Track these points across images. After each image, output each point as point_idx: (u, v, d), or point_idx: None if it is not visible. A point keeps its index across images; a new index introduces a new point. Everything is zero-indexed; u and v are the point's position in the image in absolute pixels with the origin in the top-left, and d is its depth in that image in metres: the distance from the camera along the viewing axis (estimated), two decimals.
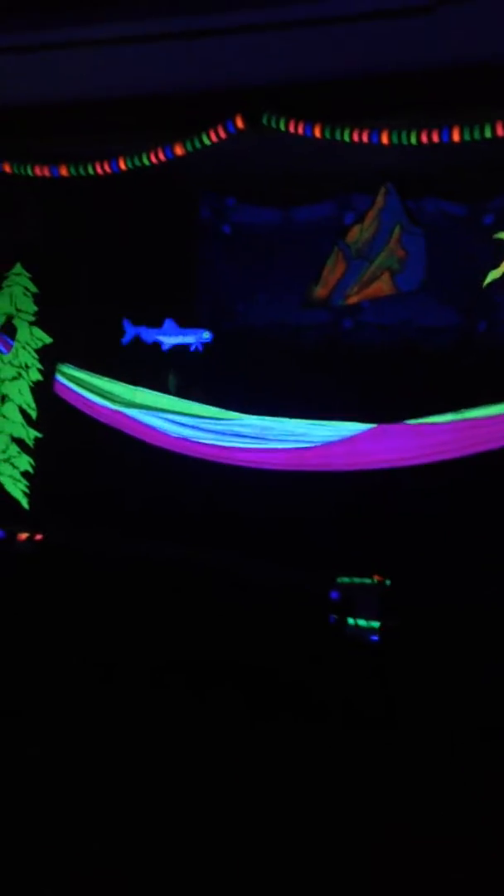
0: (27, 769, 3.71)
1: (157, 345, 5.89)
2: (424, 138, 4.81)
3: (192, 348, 5.72)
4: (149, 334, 5.90)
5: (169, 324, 5.84)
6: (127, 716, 4.32)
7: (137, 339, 5.97)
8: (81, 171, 5.48)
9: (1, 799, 3.43)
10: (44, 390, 6.20)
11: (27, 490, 6.18)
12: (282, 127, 5.00)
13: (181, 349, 5.84)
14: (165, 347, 5.78)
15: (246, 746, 4.07)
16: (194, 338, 5.73)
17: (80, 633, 5.07)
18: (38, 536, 5.95)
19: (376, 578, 5.23)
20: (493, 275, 5.10)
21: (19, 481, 6.23)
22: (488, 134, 4.62)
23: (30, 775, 3.66)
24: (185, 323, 5.90)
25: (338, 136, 4.92)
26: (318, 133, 4.96)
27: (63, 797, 3.48)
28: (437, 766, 3.93)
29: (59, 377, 6.14)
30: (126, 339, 5.97)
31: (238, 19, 4.65)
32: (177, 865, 3.07)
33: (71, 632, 5.08)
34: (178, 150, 5.30)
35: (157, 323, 5.92)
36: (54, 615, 5.19)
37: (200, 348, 5.71)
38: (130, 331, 5.95)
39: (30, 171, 5.62)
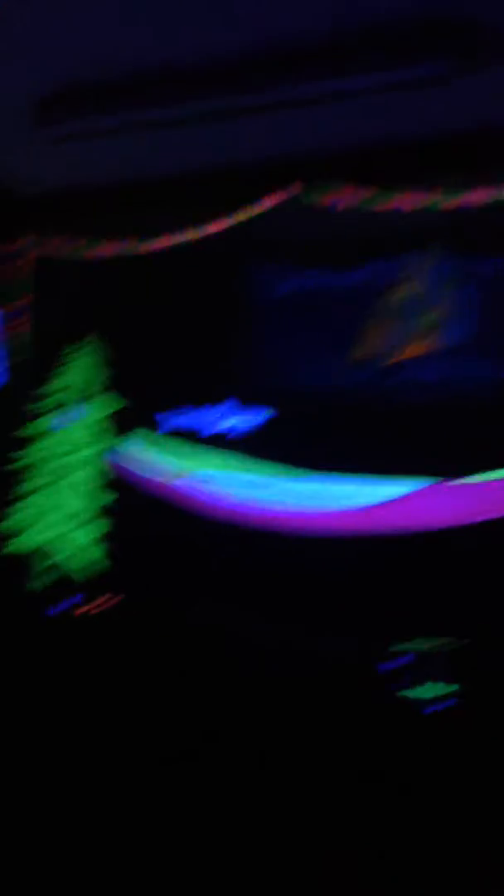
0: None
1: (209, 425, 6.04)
2: (470, 198, 4.83)
3: (244, 430, 5.82)
4: (192, 420, 6.06)
5: (217, 407, 6.00)
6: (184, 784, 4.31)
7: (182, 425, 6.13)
8: (129, 251, 5.78)
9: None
10: (108, 460, 6.40)
11: (93, 559, 6.34)
12: (328, 194, 5.13)
13: (235, 429, 5.96)
14: (216, 430, 5.92)
15: (300, 822, 3.99)
16: (242, 420, 5.84)
17: (155, 692, 5.10)
18: (104, 604, 6.08)
19: (435, 645, 5.07)
20: None
21: (89, 548, 6.40)
22: None
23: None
24: (235, 394, 6.02)
25: (385, 200, 5.01)
26: (359, 201, 5.07)
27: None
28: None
29: (123, 446, 6.35)
30: (168, 427, 6.13)
31: (274, 97, 4.85)
32: None
33: (148, 692, 5.12)
34: (227, 223, 5.52)
35: (210, 398, 6.05)
36: (132, 675, 5.24)
37: (251, 431, 5.82)
38: (171, 420, 6.14)
39: (83, 253, 5.96)
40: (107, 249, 6.04)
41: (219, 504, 5.92)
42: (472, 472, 5.01)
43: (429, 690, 4.88)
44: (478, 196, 4.91)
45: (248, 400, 5.95)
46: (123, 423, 6.39)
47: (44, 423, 6.54)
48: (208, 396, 6.05)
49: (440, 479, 5.13)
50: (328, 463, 5.49)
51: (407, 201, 5.10)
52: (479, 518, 5.02)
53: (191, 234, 5.57)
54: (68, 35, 4.81)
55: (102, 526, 6.33)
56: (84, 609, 6.05)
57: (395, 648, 5.09)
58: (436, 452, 5.25)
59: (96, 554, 6.33)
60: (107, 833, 3.92)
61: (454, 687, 4.84)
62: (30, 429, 6.48)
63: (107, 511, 6.36)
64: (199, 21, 4.36)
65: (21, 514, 6.41)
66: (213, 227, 5.56)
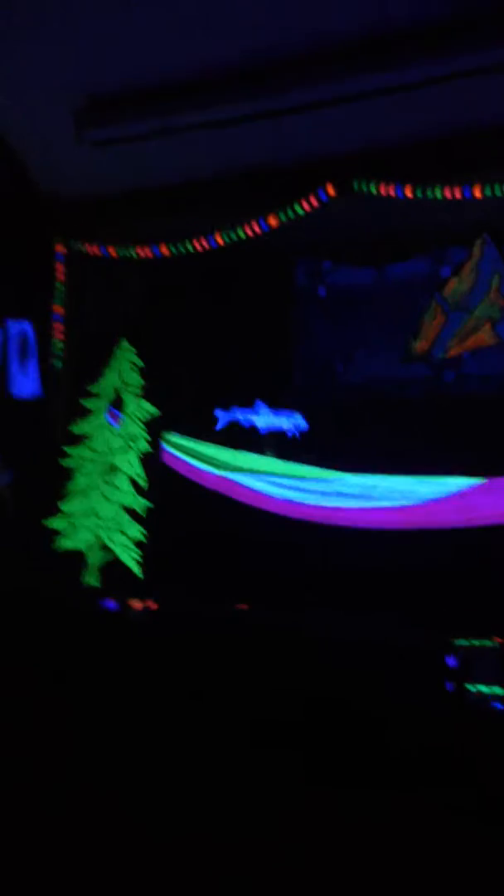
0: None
1: (252, 428, 5.99)
2: None
3: (290, 435, 5.81)
4: (245, 419, 6.02)
5: (260, 406, 5.96)
6: (233, 784, 4.26)
7: (229, 425, 6.08)
8: (181, 249, 5.74)
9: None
10: (152, 460, 6.37)
11: (139, 559, 6.31)
12: (373, 191, 5.10)
13: (277, 433, 5.91)
14: (263, 431, 5.89)
15: (359, 827, 3.92)
16: (287, 421, 5.81)
17: (194, 699, 5.07)
18: (153, 605, 6.04)
19: (497, 641, 5.01)
20: None
21: (131, 550, 6.36)
22: None
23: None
24: (284, 391, 5.99)
25: (430, 195, 4.98)
26: (409, 193, 5.03)
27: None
28: None
29: (165, 446, 6.31)
30: (219, 426, 6.08)
31: (320, 94, 4.82)
32: None
33: (186, 699, 5.08)
34: (273, 222, 5.49)
35: (251, 400, 6.02)
36: (169, 683, 5.22)
37: (297, 435, 5.79)
38: (224, 417, 6.10)
39: (133, 253, 5.93)
40: (147, 251, 6.00)
41: (265, 498, 5.87)
42: None
43: (488, 687, 4.82)
44: None
45: (302, 396, 5.91)
46: (168, 423, 6.35)
47: (83, 426, 6.50)
48: (261, 394, 6.00)
49: (500, 474, 5.06)
50: (385, 459, 5.43)
51: (451, 194, 5.05)
52: None
53: (237, 234, 5.53)
54: (115, 40, 4.80)
55: (149, 523, 6.30)
56: (137, 604, 6.00)
57: (454, 644, 5.02)
58: (495, 447, 5.19)
59: (143, 551, 6.31)
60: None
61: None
62: (71, 432, 6.43)
63: (153, 509, 6.33)
64: (249, 22, 4.35)
65: (68, 513, 6.36)
66: (259, 227, 5.52)
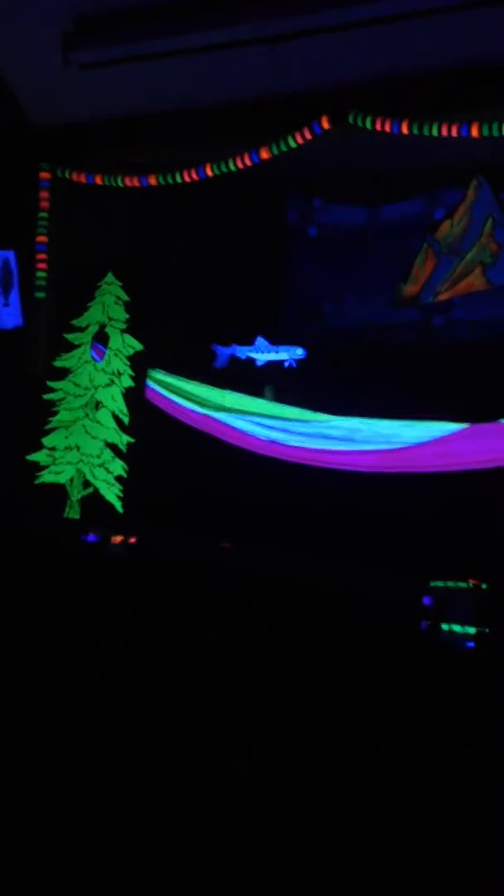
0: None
1: (249, 360, 5.95)
2: None
3: (286, 365, 5.76)
4: (241, 352, 5.96)
5: (260, 341, 5.90)
6: (216, 723, 4.34)
7: (228, 359, 6.03)
8: (170, 180, 5.58)
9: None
10: (136, 396, 6.32)
11: (121, 494, 6.33)
12: (368, 125, 4.96)
13: (275, 365, 5.87)
14: (259, 364, 5.84)
15: (342, 763, 4.02)
16: (287, 354, 5.76)
17: (172, 636, 5.13)
18: (132, 540, 6.08)
19: (472, 583, 5.10)
20: None
21: (113, 485, 6.37)
22: None
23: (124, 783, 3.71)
24: (274, 330, 5.93)
25: (426, 132, 4.85)
26: (405, 129, 4.89)
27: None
28: None
29: (151, 383, 6.26)
30: (219, 362, 6.04)
31: (319, 20, 4.64)
32: None
33: (163, 635, 5.15)
34: (265, 154, 5.34)
35: (248, 338, 5.97)
36: (147, 618, 5.28)
37: (294, 365, 5.74)
38: (223, 353, 6.03)
39: (120, 182, 5.76)
40: (135, 181, 5.84)
41: (249, 438, 5.87)
42: None
43: (462, 627, 4.92)
44: None
45: (289, 338, 5.86)
46: (153, 360, 6.29)
47: (67, 360, 6.43)
48: (247, 332, 5.94)
49: (485, 420, 5.09)
50: (371, 402, 5.43)
51: (448, 132, 4.92)
52: None
53: (228, 166, 5.38)
54: None
55: (131, 460, 6.30)
56: (117, 539, 6.03)
57: (431, 585, 5.11)
58: (481, 393, 5.20)
59: (123, 488, 6.32)
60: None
61: (481, 628, 4.88)
62: (54, 366, 6.36)
63: (136, 446, 6.32)
64: None
65: (50, 447, 6.35)
66: (250, 160, 5.37)
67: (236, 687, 4.55)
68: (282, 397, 5.83)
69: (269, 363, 5.88)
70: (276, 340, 5.91)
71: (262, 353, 5.87)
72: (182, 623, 5.08)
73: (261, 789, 3.67)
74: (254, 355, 5.92)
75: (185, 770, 3.70)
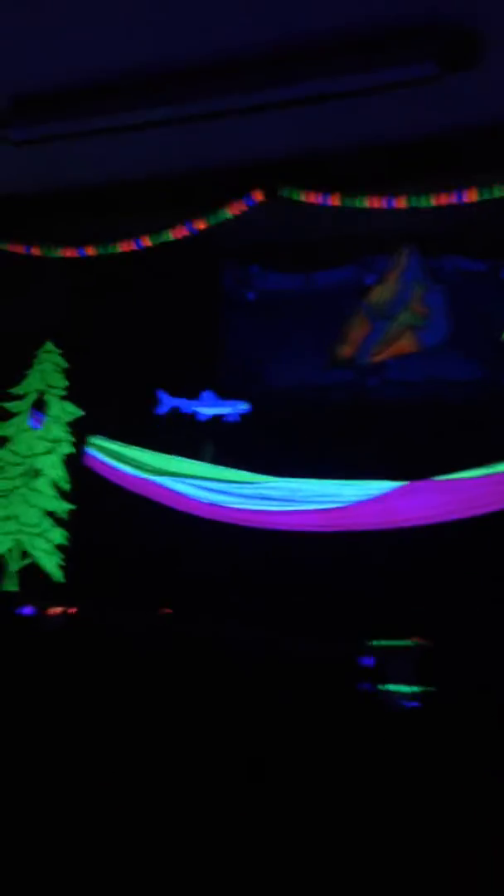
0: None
1: (192, 415, 6.00)
2: (439, 201, 4.95)
3: (230, 418, 5.82)
4: (187, 406, 6.01)
5: (207, 395, 5.95)
6: (149, 796, 4.22)
7: (170, 410, 6.07)
8: (108, 251, 5.70)
9: None
10: (76, 463, 6.28)
11: (61, 563, 6.20)
12: (300, 198, 5.17)
13: (216, 419, 5.92)
14: (202, 418, 5.89)
15: (273, 828, 3.93)
16: (231, 409, 5.83)
17: (109, 708, 5.00)
18: (72, 610, 5.94)
19: (413, 641, 5.11)
20: None
21: (53, 555, 6.25)
22: (498, 193, 4.74)
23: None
24: (211, 388, 6.00)
25: (355, 204, 5.08)
26: (335, 202, 5.12)
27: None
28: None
29: (90, 449, 6.23)
30: (162, 409, 6.07)
31: (251, 100, 4.86)
32: None
33: (100, 708, 5.01)
34: (200, 225, 5.52)
35: (191, 393, 6.02)
36: (85, 692, 5.14)
37: (237, 419, 5.81)
38: (168, 402, 6.06)
39: (58, 254, 5.85)
40: (73, 252, 5.95)
41: (191, 502, 5.86)
42: (451, 470, 5.08)
43: (402, 687, 4.91)
44: (445, 199, 5.01)
45: (229, 399, 5.93)
46: (93, 425, 6.27)
47: (5, 429, 6.38)
48: (184, 395, 6.00)
49: (421, 478, 5.19)
50: (310, 462, 5.50)
51: (379, 204, 5.16)
52: (458, 516, 5.09)
53: (167, 236, 5.54)
54: (39, 39, 4.73)
55: (72, 528, 6.21)
56: (56, 610, 5.89)
57: (371, 645, 5.11)
58: (416, 451, 5.32)
59: (64, 556, 6.20)
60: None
61: (424, 687, 4.88)
62: None
63: (76, 513, 6.24)
64: (171, 29, 4.35)
65: None
66: (186, 230, 5.54)
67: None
68: (222, 458, 5.85)
69: (212, 417, 5.94)
70: (222, 395, 5.96)
71: (208, 408, 5.93)
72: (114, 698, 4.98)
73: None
74: (198, 409, 5.97)
75: None
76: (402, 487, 5.23)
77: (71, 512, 6.25)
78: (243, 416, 5.83)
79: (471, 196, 4.90)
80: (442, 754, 4.42)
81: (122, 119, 5.07)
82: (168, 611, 5.78)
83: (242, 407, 5.85)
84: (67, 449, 6.35)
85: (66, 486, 6.29)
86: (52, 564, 6.23)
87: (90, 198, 5.66)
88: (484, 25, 4.09)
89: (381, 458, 5.34)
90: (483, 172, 4.91)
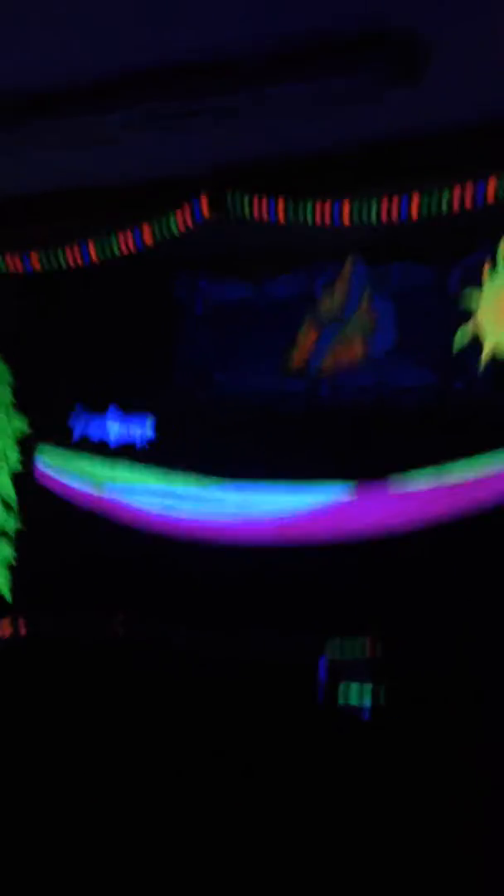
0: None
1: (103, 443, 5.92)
2: (384, 210, 4.99)
3: (138, 446, 5.78)
4: (95, 431, 5.91)
5: (112, 410, 5.92)
6: (114, 808, 4.17)
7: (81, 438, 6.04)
8: (53, 262, 5.62)
9: None
10: (24, 478, 6.17)
11: (9, 581, 6.08)
12: (246, 208, 5.18)
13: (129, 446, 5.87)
14: (113, 445, 5.86)
15: (232, 836, 3.90)
16: (139, 431, 5.78)
17: (65, 722, 4.91)
18: (22, 629, 5.82)
19: (368, 648, 5.11)
20: (461, 335, 5.19)
21: (1, 573, 6.13)
22: (445, 206, 4.81)
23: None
24: (166, 403, 5.95)
25: (301, 216, 5.11)
26: (281, 211, 5.13)
27: None
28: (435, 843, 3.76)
29: (39, 461, 6.13)
30: (76, 436, 5.99)
31: (197, 105, 4.85)
32: None
33: (56, 723, 4.92)
34: (148, 236, 5.48)
35: (135, 410, 5.96)
36: (38, 707, 5.03)
37: (146, 446, 5.74)
38: (80, 426, 6.00)
39: (2, 265, 5.75)
40: (17, 263, 5.86)
41: (141, 515, 5.80)
42: (404, 476, 5.11)
43: (356, 694, 4.92)
44: (388, 209, 5.06)
45: (178, 410, 5.89)
46: (42, 439, 6.17)
47: None
48: (132, 406, 5.94)
49: (373, 484, 5.20)
50: (262, 471, 5.48)
51: (325, 213, 5.19)
52: (410, 521, 5.11)
53: (115, 248, 5.48)
54: None
55: (21, 544, 6.09)
56: (6, 628, 5.77)
57: (323, 654, 5.10)
58: (368, 457, 5.34)
59: (14, 573, 6.07)
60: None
61: (377, 692, 4.90)
62: None
63: (25, 529, 6.12)
64: (118, 33, 4.32)
65: None
66: (136, 241, 5.49)
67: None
68: (172, 468, 5.80)
69: (123, 443, 5.88)
70: (128, 410, 5.92)
71: (115, 432, 5.88)
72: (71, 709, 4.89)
73: None
74: (107, 434, 5.91)
75: None
76: (354, 495, 5.23)
77: (19, 529, 6.13)
78: (194, 421, 5.79)
79: (415, 204, 4.95)
80: (394, 757, 4.44)
81: (67, 127, 5.03)
82: (120, 623, 5.71)
83: (149, 433, 5.80)
84: (15, 464, 6.23)
85: (14, 502, 6.17)
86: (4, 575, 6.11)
87: (34, 207, 5.58)
88: (429, 36, 4.15)
89: (333, 465, 5.34)
90: (428, 181, 4.96)
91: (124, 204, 5.55)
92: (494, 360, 5.10)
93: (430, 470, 5.02)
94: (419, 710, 4.71)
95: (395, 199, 5.04)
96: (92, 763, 4.76)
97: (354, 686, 4.85)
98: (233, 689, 4.89)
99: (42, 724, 5.01)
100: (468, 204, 4.85)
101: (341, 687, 4.87)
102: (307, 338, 5.74)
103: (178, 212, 5.39)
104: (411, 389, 5.45)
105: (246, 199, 5.18)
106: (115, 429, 5.97)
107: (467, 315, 5.18)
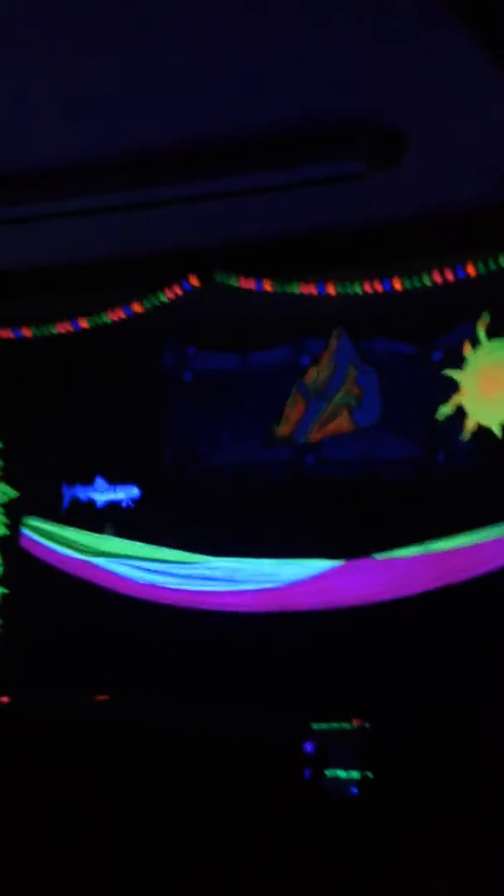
0: None
1: (90, 502, 5.98)
2: (367, 288, 5.14)
3: (124, 505, 5.85)
4: (83, 494, 6.00)
5: (99, 481, 6.00)
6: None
7: (71, 502, 6.08)
8: (44, 332, 5.74)
9: None
10: (10, 545, 6.16)
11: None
12: (234, 283, 5.32)
13: (114, 505, 5.93)
14: (100, 505, 5.91)
15: None
16: (124, 494, 5.83)
17: (46, 799, 4.83)
18: (4, 699, 5.74)
19: (355, 723, 5.06)
20: (444, 409, 5.29)
21: None
22: (426, 282, 4.96)
23: None
24: (151, 473, 6.02)
25: (287, 290, 5.24)
26: (268, 288, 5.28)
27: None
28: None
29: (25, 530, 6.13)
30: (66, 502, 6.05)
31: (185, 191, 5.01)
32: None
33: (38, 799, 4.84)
34: (137, 309, 5.62)
35: (126, 476, 6.04)
36: (20, 782, 4.95)
37: (132, 506, 5.82)
38: (67, 493, 6.06)
39: None
40: (8, 333, 5.99)
41: (127, 583, 5.79)
42: (388, 548, 5.14)
43: (346, 772, 4.86)
44: (372, 286, 5.21)
45: (164, 484, 5.93)
46: (28, 507, 6.18)
47: None
48: (121, 475, 5.98)
49: (358, 556, 5.23)
50: (249, 541, 5.50)
51: (310, 290, 5.33)
52: (395, 594, 5.13)
53: (105, 319, 5.61)
54: None
55: (5, 613, 6.05)
56: None
57: (314, 728, 5.06)
58: (353, 529, 5.37)
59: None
60: None
61: (365, 771, 4.85)
62: None
63: (10, 597, 6.08)
64: (110, 115, 4.49)
65: None
66: (123, 313, 5.63)
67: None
68: (160, 540, 5.81)
69: (110, 503, 5.92)
70: (114, 480, 6.01)
71: (102, 494, 5.92)
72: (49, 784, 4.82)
73: None
74: (94, 496, 5.95)
75: None
76: (339, 567, 5.25)
77: (4, 596, 6.10)
78: (181, 493, 5.84)
79: (396, 283, 5.10)
80: (381, 839, 4.37)
81: (57, 206, 5.17)
82: (104, 697, 5.64)
83: (134, 492, 5.87)
84: (1, 531, 6.23)
85: (0, 570, 6.15)
86: None
87: (26, 281, 5.70)
88: (407, 125, 4.32)
89: (318, 536, 5.37)
90: (408, 261, 5.12)
91: (116, 277, 5.69)
92: (476, 434, 5.19)
93: (414, 548, 5.05)
94: (408, 787, 4.66)
95: (379, 276, 5.21)
96: (74, 838, 4.68)
97: (341, 769, 4.80)
98: (217, 765, 4.83)
99: (23, 800, 4.93)
100: (450, 279, 5.01)
101: (328, 769, 4.82)
102: (294, 409, 5.82)
103: (169, 286, 5.53)
104: (395, 462, 5.52)
105: (234, 279, 5.33)
106: (101, 497, 6.01)
107: (450, 389, 5.29)
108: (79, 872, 4.40)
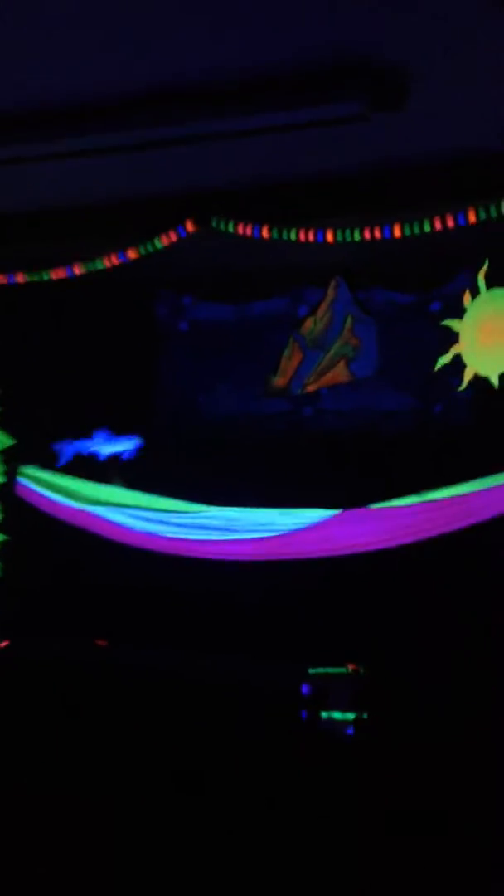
0: None
1: (93, 455, 5.95)
2: (367, 235, 5.06)
3: (125, 457, 5.82)
4: (85, 448, 5.97)
5: (99, 435, 5.93)
6: (101, 828, 4.19)
7: (74, 456, 6.05)
8: (38, 278, 5.65)
9: None
10: (7, 493, 6.17)
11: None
12: (231, 229, 5.23)
13: (115, 458, 5.93)
14: (102, 458, 5.87)
15: (216, 854, 3.94)
16: (124, 446, 5.83)
17: (45, 742, 4.93)
18: (3, 643, 5.81)
19: (350, 668, 5.16)
20: (442, 360, 5.26)
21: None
22: (427, 229, 4.88)
23: None
24: (149, 422, 5.96)
25: (285, 237, 5.16)
26: (266, 234, 5.18)
27: None
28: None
29: (22, 479, 6.13)
30: (63, 459, 6.01)
31: (184, 131, 4.90)
32: None
33: (36, 742, 4.93)
34: (132, 254, 5.52)
35: (124, 428, 6.00)
36: (19, 724, 5.04)
37: (134, 454, 5.81)
38: (67, 450, 6.04)
39: None
40: (2, 278, 5.89)
41: (125, 531, 5.82)
42: (385, 498, 5.17)
43: (341, 713, 4.97)
44: (371, 233, 5.13)
45: (162, 434, 5.92)
46: (26, 455, 6.17)
47: None
48: (117, 427, 5.96)
49: (355, 506, 5.26)
50: (246, 491, 5.52)
51: (305, 237, 5.25)
52: (392, 543, 5.17)
53: (99, 265, 5.51)
54: None
55: (3, 559, 6.08)
56: None
57: (310, 673, 5.15)
58: (351, 479, 5.39)
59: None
60: None
61: (360, 713, 4.95)
62: None
63: (8, 544, 6.11)
64: (109, 55, 4.36)
65: None
66: (118, 259, 5.53)
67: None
68: (157, 489, 5.82)
69: (112, 455, 5.90)
70: (112, 430, 5.97)
71: (104, 446, 5.88)
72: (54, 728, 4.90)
73: None
74: (95, 449, 5.94)
75: None
76: (336, 516, 5.28)
77: (4, 543, 6.13)
78: (178, 443, 5.82)
79: (397, 230, 5.02)
80: (376, 779, 4.50)
81: (55, 146, 5.05)
82: (103, 642, 5.72)
83: (137, 442, 5.87)
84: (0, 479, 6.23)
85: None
86: None
87: (20, 224, 5.60)
88: (410, 66, 4.21)
89: (316, 486, 5.39)
90: (409, 208, 5.04)
91: (111, 222, 5.59)
92: (474, 385, 5.18)
93: (411, 498, 5.08)
94: (402, 728, 4.77)
95: (379, 223, 5.13)
96: (77, 783, 4.77)
97: (336, 711, 4.90)
98: (216, 710, 4.93)
99: (24, 746, 5.01)
100: (450, 226, 4.93)
101: (324, 711, 4.92)
102: (291, 360, 5.80)
103: (165, 231, 5.44)
104: (393, 413, 5.53)
105: (231, 225, 5.24)
106: (102, 448, 5.98)
107: (448, 340, 5.25)
108: (77, 815, 4.51)
